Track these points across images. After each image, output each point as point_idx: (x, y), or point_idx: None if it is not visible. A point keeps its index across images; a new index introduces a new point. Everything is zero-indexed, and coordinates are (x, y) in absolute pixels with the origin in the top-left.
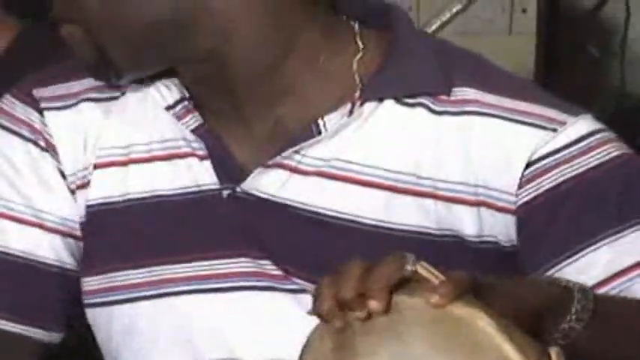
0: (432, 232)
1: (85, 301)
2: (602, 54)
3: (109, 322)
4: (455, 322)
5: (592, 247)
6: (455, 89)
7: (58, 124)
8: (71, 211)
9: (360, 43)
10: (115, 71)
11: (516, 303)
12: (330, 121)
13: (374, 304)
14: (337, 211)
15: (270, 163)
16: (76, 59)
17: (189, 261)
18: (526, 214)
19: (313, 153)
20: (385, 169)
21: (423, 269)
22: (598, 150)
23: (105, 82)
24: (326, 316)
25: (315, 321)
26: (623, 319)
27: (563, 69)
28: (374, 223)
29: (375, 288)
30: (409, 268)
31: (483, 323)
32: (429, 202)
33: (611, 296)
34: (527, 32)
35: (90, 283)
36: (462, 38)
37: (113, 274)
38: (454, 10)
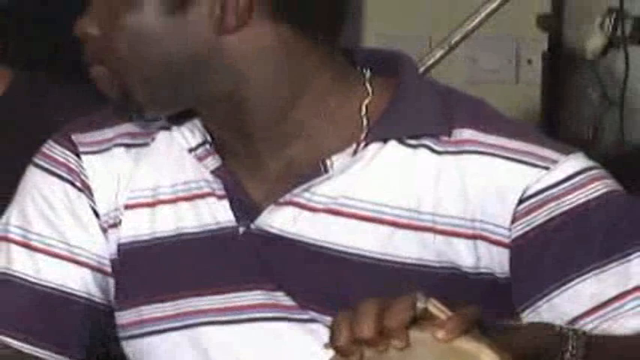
0: (432, 264)
1: (120, 335)
2: (603, 103)
3: (141, 354)
4: (461, 356)
5: (579, 279)
6: (455, 130)
7: (94, 167)
8: (102, 247)
9: (369, 88)
10: (137, 109)
11: (513, 348)
12: (338, 160)
13: (397, 344)
14: (344, 245)
15: (281, 200)
16: (106, 109)
17: (210, 294)
18: (518, 248)
19: (321, 191)
20: (388, 206)
21: (433, 306)
22: (588, 187)
23: (126, 119)
24: (343, 351)
25: (328, 352)
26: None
27: (566, 116)
28: (378, 256)
29: (395, 327)
30: (420, 305)
31: (488, 358)
32: (429, 235)
33: (603, 336)
34: (532, 82)
35: (123, 316)
36: (472, 87)
37: (142, 308)
38: (447, 46)
